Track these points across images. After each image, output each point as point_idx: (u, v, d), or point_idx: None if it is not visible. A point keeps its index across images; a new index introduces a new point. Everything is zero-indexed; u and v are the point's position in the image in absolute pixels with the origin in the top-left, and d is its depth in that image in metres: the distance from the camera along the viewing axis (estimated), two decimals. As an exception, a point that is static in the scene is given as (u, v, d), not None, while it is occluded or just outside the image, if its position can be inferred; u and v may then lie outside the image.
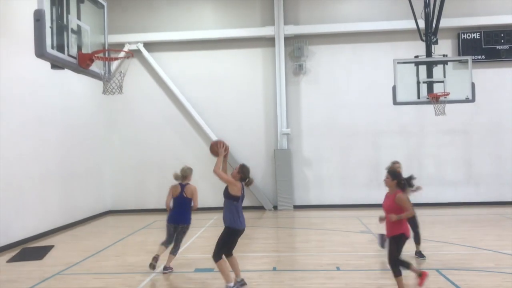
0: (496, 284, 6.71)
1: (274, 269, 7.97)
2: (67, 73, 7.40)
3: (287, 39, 15.93)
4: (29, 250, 10.08)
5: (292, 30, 15.85)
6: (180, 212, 7.91)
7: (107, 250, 10.01)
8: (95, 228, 13.34)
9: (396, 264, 6.11)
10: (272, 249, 9.79)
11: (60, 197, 12.72)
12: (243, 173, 6.62)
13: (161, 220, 14.12)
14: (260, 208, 15.66)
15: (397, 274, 6.10)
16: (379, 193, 15.50)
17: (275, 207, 15.67)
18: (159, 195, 16.14)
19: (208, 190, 15.89)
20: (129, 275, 7.78)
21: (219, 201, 16.69)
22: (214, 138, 15.92)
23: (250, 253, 9.36)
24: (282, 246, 10.18)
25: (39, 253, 9.66)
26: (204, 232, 11.86)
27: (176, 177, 8.03)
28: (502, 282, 6.82)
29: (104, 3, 7.04)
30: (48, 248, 10.18)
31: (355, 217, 13.55)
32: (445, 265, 7.78)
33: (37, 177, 11.58)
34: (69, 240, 11.43)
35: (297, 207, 15.70)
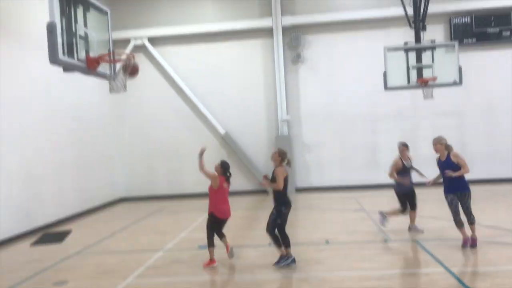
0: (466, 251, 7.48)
1: (270, 244, 8.80)
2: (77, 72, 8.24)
3: (285, 29, 16.61)
4: (50, 234, 11.08)
5: (289, 20, 16.52)
6: None
7: (121, 232, 10.96)
8: (109, 213, 14.34)
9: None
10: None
11: (75, 186, 13.70)
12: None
13: (171, 205, 15.12)
14: (263, 191, 16.52)
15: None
16: (376, 174, 16.44)
17: (278, 191, 16.51)
18: (168, 182, 17.15)
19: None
20: (141, 253, 8.69)
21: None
22: (218, 127, 16.82)
23: (249, 232, 10.25)
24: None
25: (59, 237, 10.64)
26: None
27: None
28: (472, 249, 7.59)
29: (108, 11, 7.81)
30: (67, 232, 11.16)
31: (353, 197, 14.34)
32: (424, 237, 8.56)
33: (54, 168, 12.55)
34: (85, 225, 12.43)
35: (298, 190, 16.55)
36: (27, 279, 7.35)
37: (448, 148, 7.78)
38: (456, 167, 7.60)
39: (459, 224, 7.61)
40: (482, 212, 10.46)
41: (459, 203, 7.60)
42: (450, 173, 7.53)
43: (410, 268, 6.84)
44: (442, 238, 8.45)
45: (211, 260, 7.45)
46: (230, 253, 7.70)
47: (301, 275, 6.73)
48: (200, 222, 11.66)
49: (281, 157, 7.42)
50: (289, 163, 7.53)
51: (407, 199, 9.10)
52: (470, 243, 7.57)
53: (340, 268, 6.96)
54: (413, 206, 9.13)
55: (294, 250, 7.45)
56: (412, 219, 9.16)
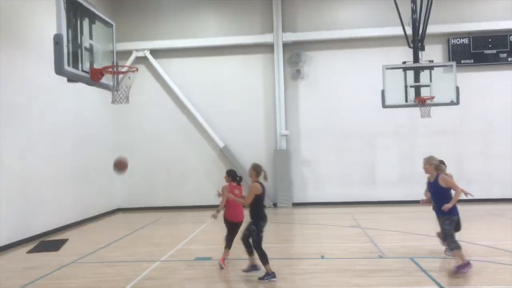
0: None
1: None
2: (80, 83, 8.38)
3: (286, 45, 16.86)
4: (47, 242, 11.13)
5: (290, 37, 16.78)
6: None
7: (118, 242, 11.01)
8: (106, 223, 14.38)
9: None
10: (266, 241, 10.65)
11: (73, 196, 13.76)
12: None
13: (168, 217, 15.16)
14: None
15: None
16: (373, 191, 16.54)
17: (275, 205, 16.63)
18: (166, 194, 17.22)
19: (210, 189, 16.83)
20: (137, 263, 8.74)
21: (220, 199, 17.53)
22: (217, 140, 16.94)
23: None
24: (275, 239, 11.09)
25: (56, 245, 10.68)
26: (206, 227, 12.77)
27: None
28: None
29: (113, 23, 7.97)
30: (63, 241, 11.20)
31: (349, 213, 14.42)
32: (418, 254, 8.64)
33: (52, 177, 12.63)
34: (82, 234, 12.47)
35: (295, 205, 16.63)
36: (23, 286, 7.39)
37: (438, 169, 7.53)
38: (443, 190, 7.37)
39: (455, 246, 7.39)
40: (478, 231, 10.59)
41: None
42: (446, 207, 7.23)
43: (403, 285, 6.90)
44: (437, 256, 8.52)
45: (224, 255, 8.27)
46: (220, 265, 8.10)
47: (295, 289, 6.80)
48: (197, 234, 11.74)
49: (256, 171, 7.60)
50: (265, 177, 7.64)
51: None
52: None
53: (334, 283, 7.03)
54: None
55: (289, 264, 7.50)
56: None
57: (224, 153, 16.89)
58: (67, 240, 11.40)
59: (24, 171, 11.32)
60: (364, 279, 7.23)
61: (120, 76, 8.10)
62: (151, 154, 17.32)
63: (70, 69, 6.67)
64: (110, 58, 8.10)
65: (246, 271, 7.77)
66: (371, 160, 16.63)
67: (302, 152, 17.04)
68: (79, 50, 7.05)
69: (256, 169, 7.58)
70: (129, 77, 7.87)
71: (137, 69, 7.69)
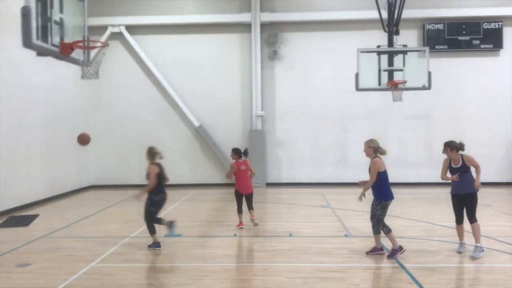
0: (420, 247, 7.83)
1: (235, 235, 9.05)
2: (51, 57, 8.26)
3: (263, 25, 16.81)
4: (16, 218, 11.07)
5: (268, 17, 16.73)
6: None
7: (88, 218, 11.03)
8: (78, 200, 14.34)
9: None
10: (238, 220, 10.84)
11: (45, 171, 13.65)
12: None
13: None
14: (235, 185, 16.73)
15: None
16: (344, 172, 16.83)
17: (249, 184, 16.78)
18: (139, 172, 17.14)
19: (185, 168, 17.03)
20: (106, 239, 8.80)
21: (195, 178, 17.79)
22: (193, 119, 16.91)
23: (216, 223, 10.48)
24: (247, 217, 11.24)
25: (25, 221, 10.63)
26: (178, 205, 12.85)
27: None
28: (426, 246, 7.97)
29: (84, -3, 7.84)
30: (33, 217, 11.15)
31: (320, 193, 14.68)
32: (383, 234, 8.88)
33: (23, 153, 12.49)
34: (53, 210, 12.43)
35: (269, 185, 16.82)
36: (-10, 260, 7.39)
37: (376, 151, 7.43)
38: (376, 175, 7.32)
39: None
40: (442, 215, 10.93)
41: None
42: (359, 197, 7.44)
43: (366, 262, 7.12)
44: (401, 236, 8.79)
45: (240, 223, 9.65)
46: (253, 222, 9.57)
47: (261, 265, 6.96)
48: (169, 211, 11.82)
49: (151, 153, 8.61)
50: (160, 157, 8.76)
51: None
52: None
53: (299, 260, 7.22)
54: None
55: (259, 242, 7.68)
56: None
57: (200, 132, 16.90)
58: (37, 215, 11.35)
59: (-7, 145, 11.17)
60: (329, 256, 7.45)
61: (92, 51, 8.03)
62: (125, 132, 17.21)
63: (38, 42, 6.57)
64: (82, 32, 7.99)
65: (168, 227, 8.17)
66: (344, 142, 16.88)
67: (277, 133, 17.17)
68: (49, 24, 6.93)
69: (151, 152, 8.60)
70: (104, 53, 7.81)
71: (108, 45, 7.62)
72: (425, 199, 13.87)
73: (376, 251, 7.52)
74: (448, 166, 7.64)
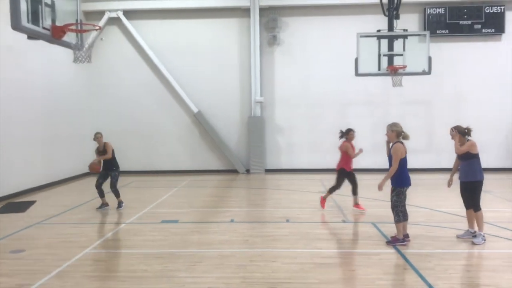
0: (418, 233, 7.76)
1: (232, 220, 8.98)
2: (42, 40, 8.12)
3: (262, 10, 16.58)
4: (13, 204, 11.02)
5: (266, 1, 16.50)
6: None
7: (85, 205, 10.98)
8: (76, 187, 14.28)
9: None
10: (236, 206, 10.81)
11: (42, 158, 13.58)
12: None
13: (139, 181, 15.12)
14: (234, 171, 16.69)
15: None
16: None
17: (248, 171, 16.71)
18: (139, 158, 17.10)
19: (183, 154, 16.95)
20: (102, 225, 8.75)
21: (194, 164, 17.72)
22: (191, 105, 16.77)
23: (214, 209, 10.43)
24: (244, 203, 11.21)
25: (22, 207, 10.59)
26: (176, 191, 12.79)
27: None
28: (424, 232, 7.89)
29: (77, -21, 7.69)
30: (31, 203, 11.10)
31: (319, 179, 14.59)
32: (380, 219, 8.82)
33: (20, 138, 12.41)
34: (51, 196, 12.38)
35: (268, 171, 16.75)
36: (-16, 246, 7.35)
37: (399, 135, 7.20)
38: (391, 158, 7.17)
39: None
40: (441, 201, 10.85)
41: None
42: (380, 185, 7.24)
43: (362, 248, 7.06)
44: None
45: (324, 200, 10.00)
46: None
47: (256, 251, 6.89)
48: (166, 198, 11.76)
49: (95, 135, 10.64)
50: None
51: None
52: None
53: (295, 246, 7.15)
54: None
55: (256, 227, 7.63)
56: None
57: (198, 118, 16.78)
58: (34, 201, 11.30)
59: (-11, 131, 11.08)
60: (326, 242, 7.39)
61: (87, 35, 7.90)
62: (124, 118, 17.09)
63: (28, 25, 6.45)
64: (75, 16, 7.85)
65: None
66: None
67: (276, 119, 17.04)
68: (40, 6, 6.81)
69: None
70: (102, 38, 7.69)
71: (100, 28, 7.49)
72: (424, 185, 13.76)
73: (399, 240, 7.16)
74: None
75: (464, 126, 7.44)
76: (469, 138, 7.35)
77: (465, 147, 7.22)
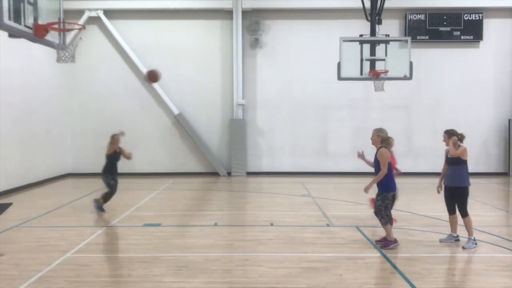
0: (401, 237, 7.81)
1: (215, 224, 8.90)
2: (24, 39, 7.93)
3: (245, 12, 16.55)
4: (-11, 206, 10.66)
5: (249, 3, 16.46)
6: None
7: (65, 207, 10.74)
8: (54, 188, 13.98)
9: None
10: (218, 209, 10.73)
11: (19, 158, 13.24)
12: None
13: (119, 183, 14.85)
14: (215, 174, 16.58)
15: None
16: (324, 161, 16.85)
17: (229, 173, 16.62)
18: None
19: (164, 157, 16.78)
20: (83, 228, 8.56)
21: (174, 166, 17.55)
22: (172, 106, 16.63)
23: (196, 212, 10.32)
24: (227, 206, 11.14)
25: (-2, 209, 10.26)
26: (157, 194, 12.62)
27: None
28: (408, 236, 7.96)
29: (60, -24, 7.51)
30: (7, 205, 10.69)
31: (301, 183, 14.62)
32: (364, 223, 8.87)
33: (-3, 139, 12.08)
34: (28, 198, 12.08)
35: (250, 174, 16.70)
36: (-40, 250, 7.10)
37: (383, 141, 7.29)
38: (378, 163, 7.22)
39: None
40: (422, 204, 10.98)
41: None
42: (366, 188, 7.30)
43: (348, 252, 7.07)
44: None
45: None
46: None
47: (242, 255, 6.84)
48: (147, 200, 11.61)
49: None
50: None
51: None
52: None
53: (281, 250, 7.12)
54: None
55: (240, 231, 7.55)
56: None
57: (179, 120, 16.63)
58: (11, 204, 10.89)
59: (-36, 131, 10.74)
60: (312, 246, 7.37)
61: (68, 35, 7.73)
62: (104, 119, 16.77)
63: (10, 23, 6.26)
64: (57, 14, 7.68)
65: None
66: (324, 132, 16.87)
67: (258, 121, 17.02)
68: (22, 4, 6.63)
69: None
70: (81, 38, 7.54)
71: (84, 27, 7.34)
72: (404, 189, 13.80)
73: (392, 242, 7.22)
74: (445, 155, 7.60)
75: (449, 130, 7.57)
76: (461, 144, 7.45)
77: (459, 151, 7.33)
